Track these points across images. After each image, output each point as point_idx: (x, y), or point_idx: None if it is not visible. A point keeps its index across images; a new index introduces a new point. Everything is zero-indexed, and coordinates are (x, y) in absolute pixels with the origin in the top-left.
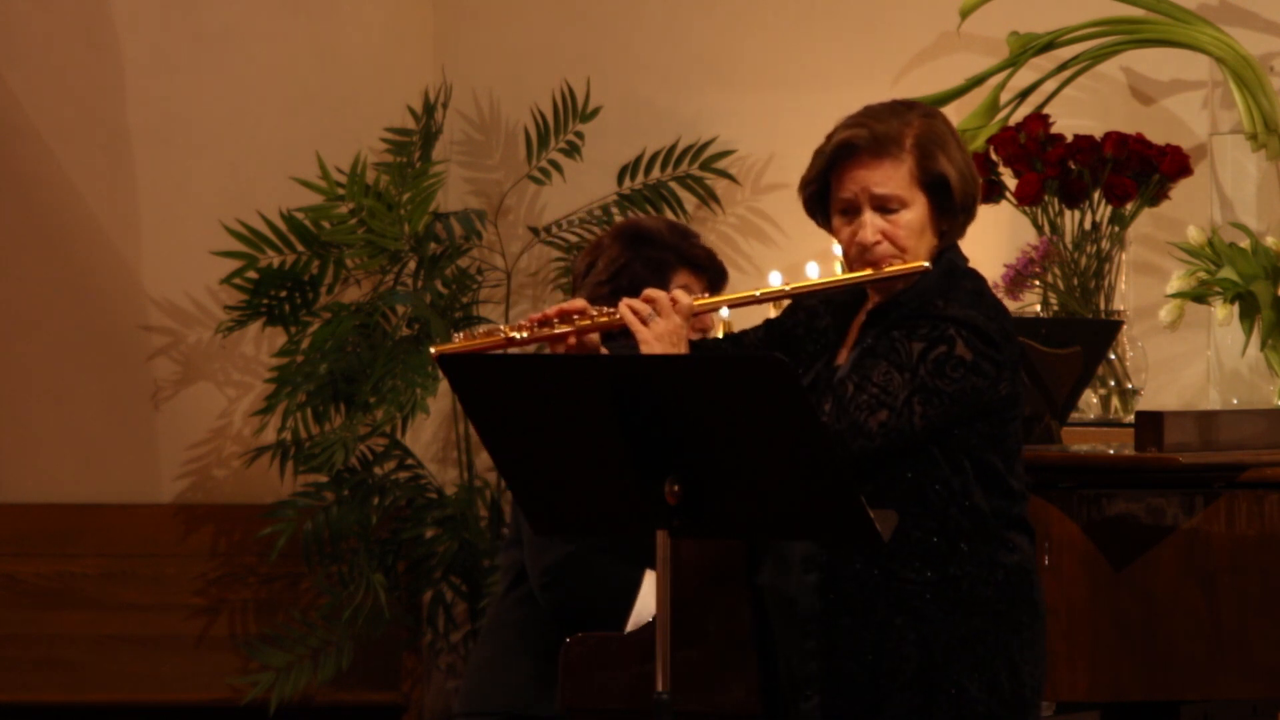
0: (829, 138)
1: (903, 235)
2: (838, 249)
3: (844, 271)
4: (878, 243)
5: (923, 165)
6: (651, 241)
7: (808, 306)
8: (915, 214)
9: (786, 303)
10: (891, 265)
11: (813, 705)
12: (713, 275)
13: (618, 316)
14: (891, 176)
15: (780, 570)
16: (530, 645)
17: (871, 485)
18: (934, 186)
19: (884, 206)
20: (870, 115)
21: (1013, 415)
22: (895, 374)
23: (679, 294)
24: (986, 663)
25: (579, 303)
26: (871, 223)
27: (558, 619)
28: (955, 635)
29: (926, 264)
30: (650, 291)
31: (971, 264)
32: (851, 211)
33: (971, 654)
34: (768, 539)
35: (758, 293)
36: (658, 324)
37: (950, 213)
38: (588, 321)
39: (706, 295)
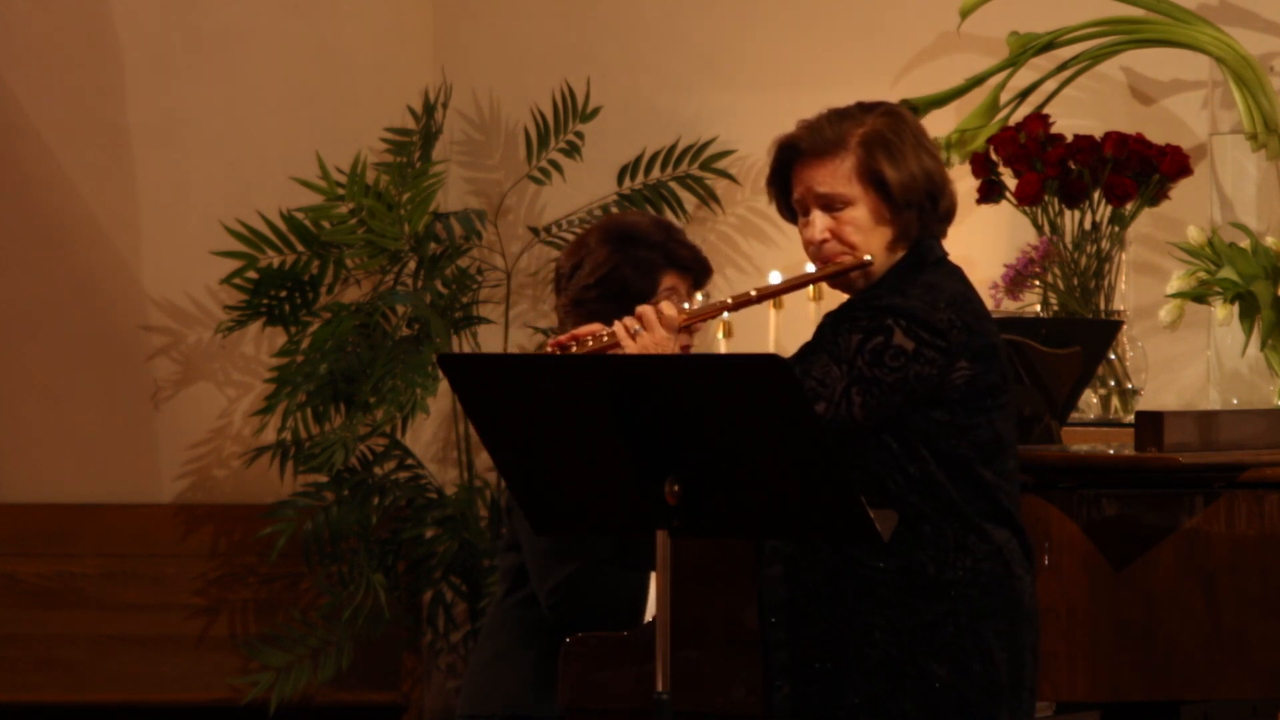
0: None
1: (848, 232)
2: None
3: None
4: (825, 240)
5: (865, 163)
6: (639, 241)
7: None
8: (861, 211)
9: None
10: (838, 262)
11: (784, 695)
12: (698, 274)
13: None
14: (833, 175)
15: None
16: (530, 646)
17: None
18: (879, 183)
19: (829, 205)
20: (822, 116)
21: (987, 405)
22: (833, 366)
23: (665, 306)
24: (955, 646)
25: (593, 327)
26: (818, 221)
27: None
28: (922, 619)
29: (868, 257)
30: (641, 308)
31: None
32: (804, 211)
33: (939, 637)
34: (768, 539)
35: (729, 299)
36: (643, 337)
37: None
38: (600, 344)
39: (690, 303)
